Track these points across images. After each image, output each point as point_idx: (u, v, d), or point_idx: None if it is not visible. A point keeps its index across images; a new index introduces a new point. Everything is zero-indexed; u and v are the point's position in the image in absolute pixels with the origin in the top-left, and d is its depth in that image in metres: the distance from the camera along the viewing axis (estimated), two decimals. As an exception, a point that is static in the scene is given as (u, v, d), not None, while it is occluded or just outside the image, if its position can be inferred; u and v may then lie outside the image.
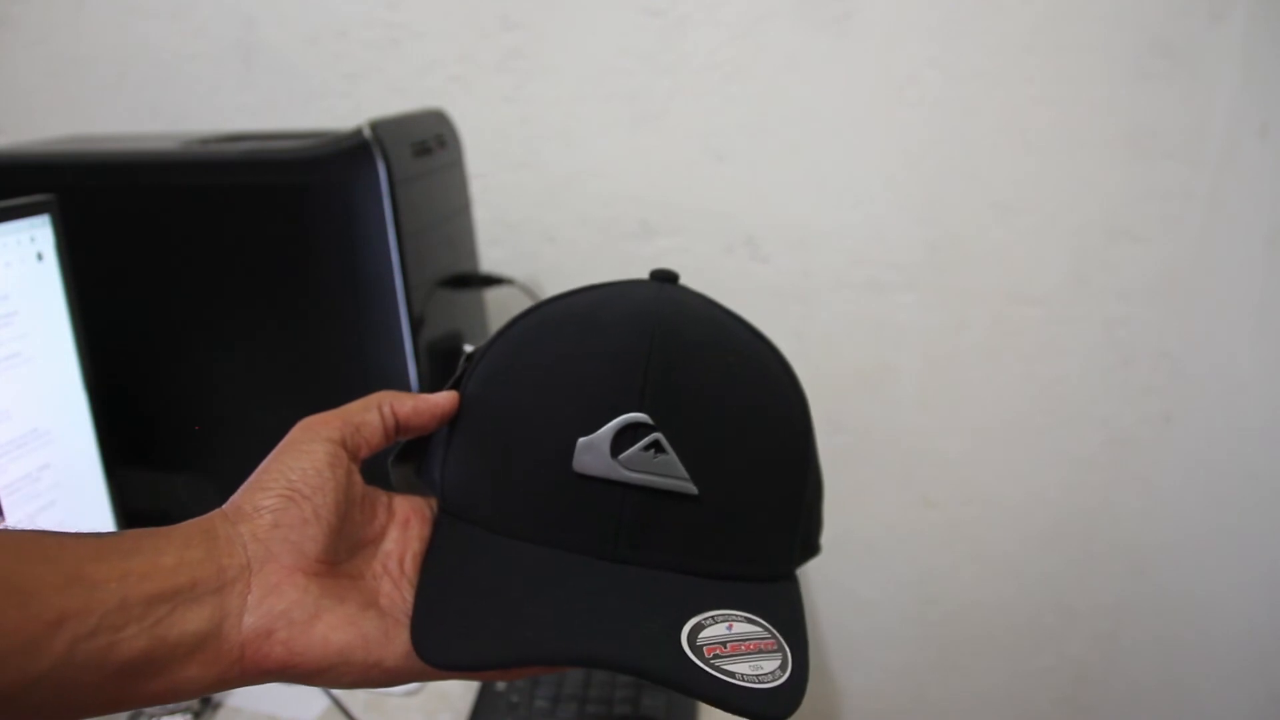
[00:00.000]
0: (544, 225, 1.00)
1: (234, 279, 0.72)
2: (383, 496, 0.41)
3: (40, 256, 0.63)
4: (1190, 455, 0.94)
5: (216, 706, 0.69)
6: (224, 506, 0.35)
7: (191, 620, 0.30)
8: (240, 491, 0.35)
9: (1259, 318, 0.84)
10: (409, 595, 0.37)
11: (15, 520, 0.61)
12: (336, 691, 0.70)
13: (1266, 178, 0.82)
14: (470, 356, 0.43)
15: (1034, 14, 0.86)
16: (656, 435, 0.37)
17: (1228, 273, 0.87)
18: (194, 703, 0.67)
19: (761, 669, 0.33)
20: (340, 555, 0.36)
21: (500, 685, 0.70)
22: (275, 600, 0.32)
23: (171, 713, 0.66)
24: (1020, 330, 0.95)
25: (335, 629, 0.33)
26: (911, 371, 0.99)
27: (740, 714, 0.32)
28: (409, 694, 0.71)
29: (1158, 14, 0.84)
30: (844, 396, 1.00)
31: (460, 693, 0.70)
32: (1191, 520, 0.94)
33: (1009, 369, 0.97)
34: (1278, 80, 0.81)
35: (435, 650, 0.33)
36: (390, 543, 0.39)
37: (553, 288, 1.03)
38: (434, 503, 0.42)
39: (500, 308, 0.91)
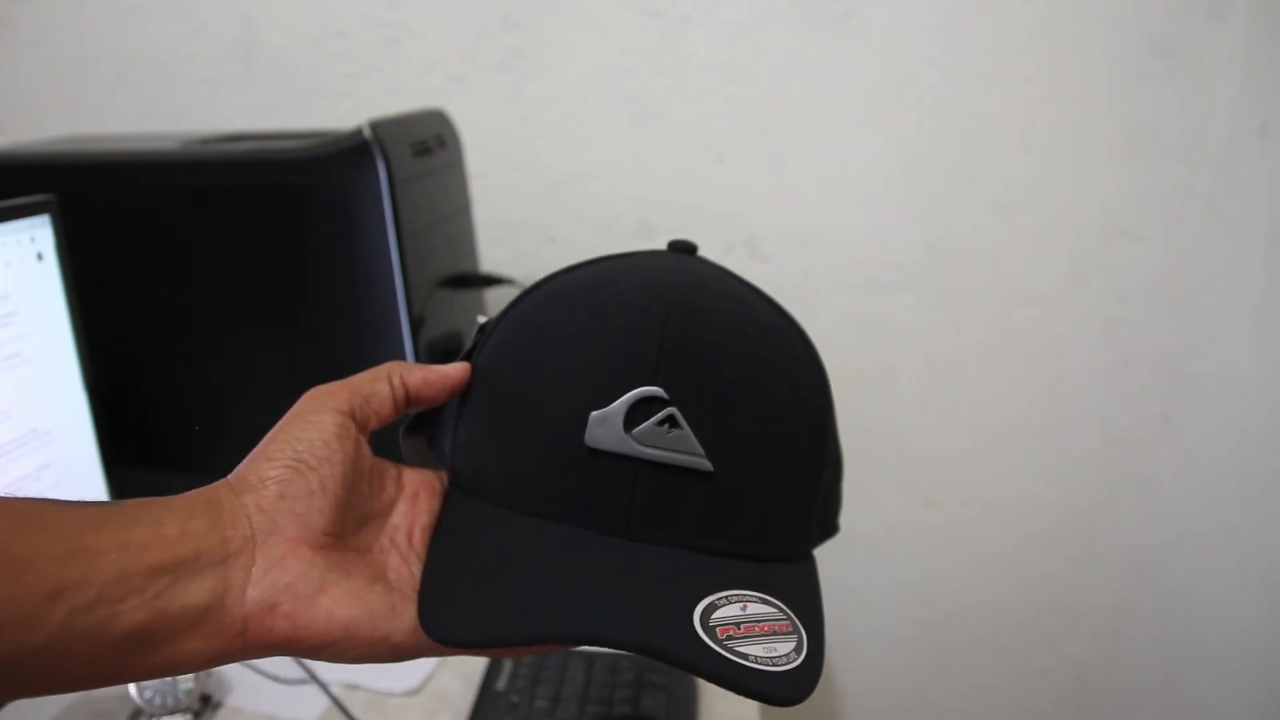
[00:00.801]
0: (544, 225, 1.00)
1: (234, 279, 0.72)
2: (391, 469, 0.40)
3: (40, 256, 0.63)
4: (1190, 455, 0.94)
5: (217, 706, 0.69)
6: (229, 477, 0.34)
7: (193, 592, 0.30)
8: (245, 462, 0.34)
9: (1259, 318, 0.84)
10: (417, 570, 0.36)
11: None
12: (336, 691, 0.70)
13: (1266, 178, 0.82)
14: (483, 327, 0.43)
15: (1034, 14, 0.86)
16: (671, 410, 0.36)
17: (1228, 273, 0.87)
18: (194, 702, 0.67)
19: (775, 651, 0.32)
20: (347, 528, 0.35)
21: (500, 685, 0.70)
22: (280, 573, 0.32)
23: (171, 711, 0.66)
24: (1020, 330, 0.95)
25: (341, 603, 0.32)
26: (911, 371, 0.99)
27: (753, 697, 0.31)
28: (409, 693, 0.71)
29: (1158, 14, 0.84)
30: (844, 396, 0.99)
31: (460, 692, 0.71)
32: (1191, 520, 0.94)
33: (1009, 369, 0.97)
34: (1278, 80, 0.81)
35: (442, 626, 0.33)
36: (399, 516, 0.38)
37: (553, 288, 1.03)
38: (444, 476, 0.41)
39: (500, 308, 0.91)
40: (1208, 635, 0.92)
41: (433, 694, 0.71)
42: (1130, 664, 1.04)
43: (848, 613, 1.08)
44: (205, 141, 0.77)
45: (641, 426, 0.36)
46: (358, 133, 0.67)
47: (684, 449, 0.36)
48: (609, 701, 0.68)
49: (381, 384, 0.38)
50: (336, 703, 0.69)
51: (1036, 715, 1.09)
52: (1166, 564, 0.98)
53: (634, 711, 0.68)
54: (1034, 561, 1.04)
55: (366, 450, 0.37)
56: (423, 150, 0.73)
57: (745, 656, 0.32)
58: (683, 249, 0.43)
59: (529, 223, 1.00)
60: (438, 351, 0.74)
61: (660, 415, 0.36)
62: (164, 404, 0.77)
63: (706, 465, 0.36)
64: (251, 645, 0.31)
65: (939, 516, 1.04)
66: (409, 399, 0.39)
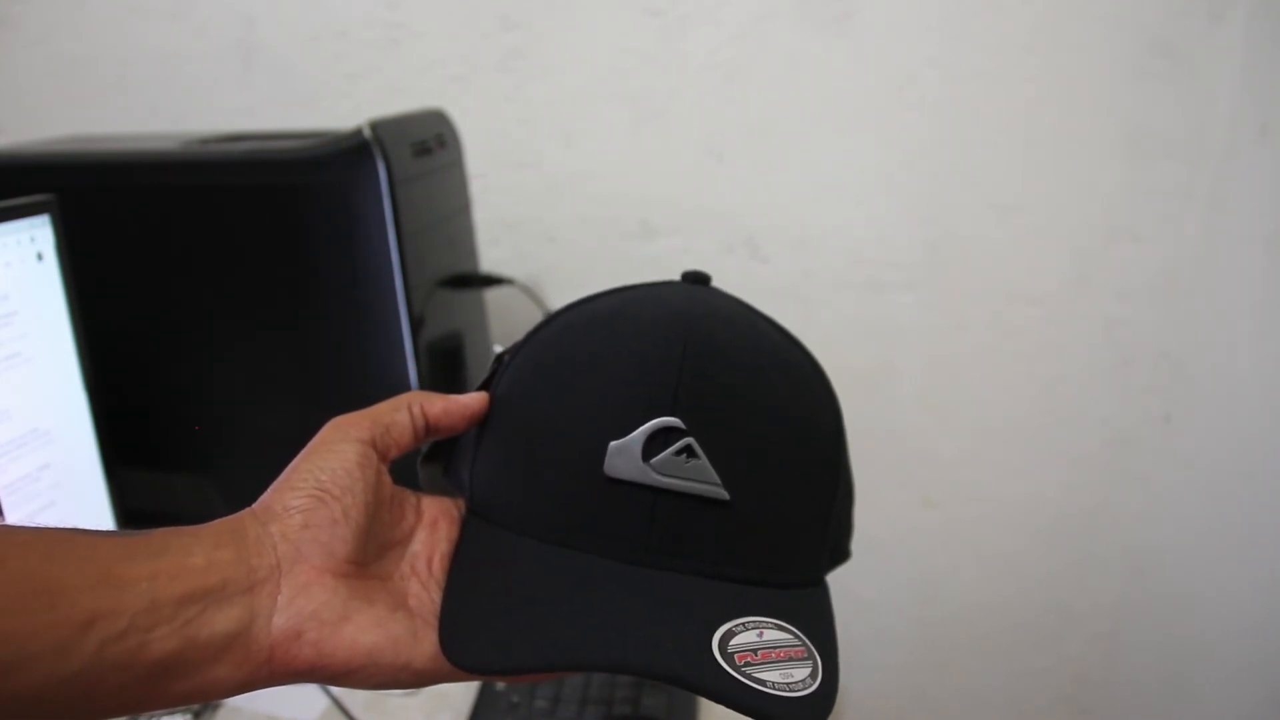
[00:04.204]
0: (544, 225, 1.00)
1: (234, 279, 0.72)
2: (411, 497, 0.41)
3: (40, 256, 0.63)
4: (1190, 455, 0.94)
5: (217, 705, 0.69)
6: (254, 506, 0.34)
7: (221, 621, 0.30)
8: (270, 491, 0.35)
9: (1259, 318, 0.84)
10: (437, 597, 0.37)
11: (14, 520, 0.61)
12: (336, 691, 0.70)
13: (1266, 178, 0.82)
14: (501, 357, 0.43)
15: (1034, 14, 0.86)
16: (689, 440, 0.36)
17: (1228, 273, 0.87)
18: (194, 703, 0.67)
19: (792, 677, 0.33)
20: (369, 556, 0.36)
21: (500, 685, 0.70)
22: (304, 601, 0.32)
23: (172, 712, 0.66)
24: (1020, 330, 0.95)
25: (364, 630, 0.33)
26: (911, 371, 0.99)
27: None
28: (409, 694, 0.71)
29: (1158, 14, 0.84)
30: (844, 396, 0.99)
31: (460, 692, 0.70)
32: (1191, 520, 0.94)
33: (1009, 369, 0.97)
34: (1278, 80, 0.81)
35: (463, 653, 0.33)
36: (418, 543, 0.39)
37: (553, 287, 1.03)
38: (462, 504, 0.42)
39: (500, 308, 0.91)
40: (1207, 635, 0.92)
41: (433, 694, 0.71)
42: (1130, 664, 1.04)
43: (848, 613, 1.08)
44: (205, 141, 0.77)
45: (659, 456, 0.36)
46: (358, 133, 0.67)
47: (701, 478, 0.36)
48: (609, 701, 0.68)
49: (402, 413, 0.39)
50: (336, 703, 0.69)
51: (1036, 715, 1.09)
52: (1166, 564, 0.98)
53: (634, 711, 0.68)
54: (1034, 561, 1.04)
55: (387, 479, 0.38)
56: (423, 150, 0.73)
57: (763, 683, 0.32)
58: (696, 279, 0.43)
59: (529, 223, 1.00)
60: (437, 352, 0.74)
61: (678, 445, 0.36)
62: (164, 404, 0.77)
63: (723, 494, 0.37)
64: (277, 672, 0.32)
65: (939, 516, 1.04)
66: (429, 428, 0.40)
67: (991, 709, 1.10)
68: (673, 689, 0.70)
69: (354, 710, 0.68)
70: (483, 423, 0.41)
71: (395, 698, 0.70)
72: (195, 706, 0.67)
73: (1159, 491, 0.98)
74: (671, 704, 0.69)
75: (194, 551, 0.31)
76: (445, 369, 0.75)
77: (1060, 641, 1.06)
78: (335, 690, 0.70)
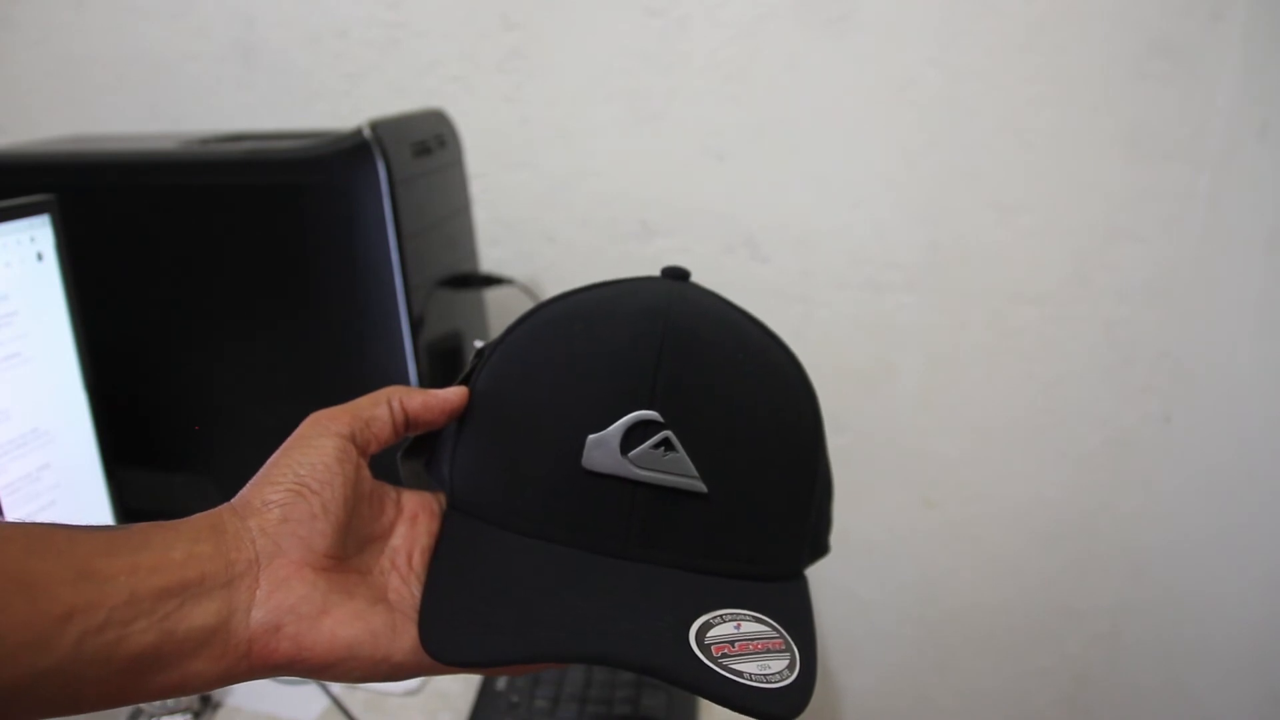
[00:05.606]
0: (544, 225, 1.00)
1: (234, 279, 0.72)
2: (391, 492, 0.41)
3: (40, 256, 0.63)
4: (1190, 455, 0.94)
5: (216, 706, 0.69)
6: (232, 501, 0.35)
7: (200, 615, 0.31)
8: (249, 486, 0.35)
9: (1259, 318, 0.84)
10: (417, 590, 0.37)
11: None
12: (336, 691, 0.70)
13: (1266, 178, 0.82)
14: (481, 352, 0.43)
15: (1034, 14, 0.86)
16: (666, 433, 0.37)
17: (1228, 273, 0.87)
18: (194, 702, 0.67)
19: (769, 669, 0.33)
20: (348, 550, 0.36)
21: (500, 685, 0.70)
22: (283, 595, 0.32)
23: (171, 712, 0.66)
24: (1020, 330, 0.95)
25: (343, 624, 0.33)
26: (911, 371, 0.99)
27: (747, 713, 0.32)
28: (409, 694, 0.71)
29: (1158, 14, 0.84)
30: (844, 396, 1.00)
31: (460, 692, 0.71)
32: (1191, 520, 0.94)
33: (1009, 369, 0.97)
34: (1278, 80, 0.81)
35: (443, 646, 0.33)
36: (398, 538, 0.39)
37: (553, 288, 1.03)
38: (442, 498, 0.42)
39: (500, 308, 0.91)
40: (1208, 635, 0.92)
41: (433, 694, 0.71)
42: (1130, 664, 1.04)
43: (848, 613, 1.08)
44: (205, 141, 0.77)
45: (638, 449, 0.37)
46: (358, 133, 0.67)
47: (679, 471, 0.37)
48: (609, 701, 0.68)
49: (381, 408, 0.39)
50: (336, 702, 0.69)
51: (1036, 715, 1.09)
52: (1166, 564, 0.98)
53: (634, 711, 0.68)
54: (1034, 562, 1.04)
55: (367, 473, 0.38)
56: (423, 150, 0.73)
57: (740, 674, 0.32)
58: (676, 275, 0.44)
59: (529, 223, 1.00)
60: (437, 352, 0.74)
61: (656, 438, 0.37)
62: (164, 403, 0.77)
63: (701, 487, 0.37)
64: (256, 666, 0.32)
65: (939, 516, 1.04)
66: (408, 423, 0.40)
67: (991, 709, 1.10)
68: (672, 688, 0.70)
69: (354, 710, 0.68)
70: (463, 417, 0.42)
71: (395, 697, 0.70)
72: (196, 706, 0.67)
73: (1159, 492, 0.98)
74: (671, 703, 0.69)
75: (173, 546, 0.31)
76: (445, 369, 0.75)
77: (1060, 642, 1.06)
78: (335, 690, 0.70)
